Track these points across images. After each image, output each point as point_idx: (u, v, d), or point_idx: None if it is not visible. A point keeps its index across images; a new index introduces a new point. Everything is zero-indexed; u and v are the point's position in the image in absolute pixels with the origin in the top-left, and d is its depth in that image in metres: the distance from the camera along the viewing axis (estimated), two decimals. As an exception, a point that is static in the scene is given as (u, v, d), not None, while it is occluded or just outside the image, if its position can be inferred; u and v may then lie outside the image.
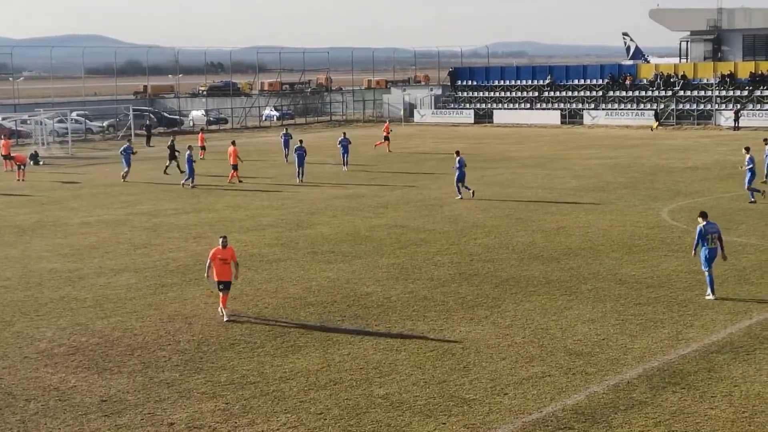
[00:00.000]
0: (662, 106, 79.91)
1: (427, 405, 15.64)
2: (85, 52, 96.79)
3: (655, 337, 19.06)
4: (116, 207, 38.90)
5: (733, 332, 19.30)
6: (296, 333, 19.89)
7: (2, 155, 55.01)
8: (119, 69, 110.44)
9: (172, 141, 53.15)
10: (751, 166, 36.44)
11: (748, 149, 37.32)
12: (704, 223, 21.76)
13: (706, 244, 21.75)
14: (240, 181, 45.59)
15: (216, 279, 21.17)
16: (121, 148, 48.86)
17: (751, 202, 35.69)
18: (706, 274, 21.96)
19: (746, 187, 36.37)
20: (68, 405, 16.02)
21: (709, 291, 21.93)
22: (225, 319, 20.88)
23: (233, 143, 47.86)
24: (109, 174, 52.00)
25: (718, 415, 14.92)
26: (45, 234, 32.71)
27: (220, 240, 21.38)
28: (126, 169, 47.81)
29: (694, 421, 14.69)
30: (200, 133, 60.00)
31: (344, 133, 51.34)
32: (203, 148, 59.07)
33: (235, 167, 46.10)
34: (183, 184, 44.56)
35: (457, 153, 39.64)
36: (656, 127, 75.27)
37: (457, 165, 38.60)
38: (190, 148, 45.65)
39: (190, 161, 44.52)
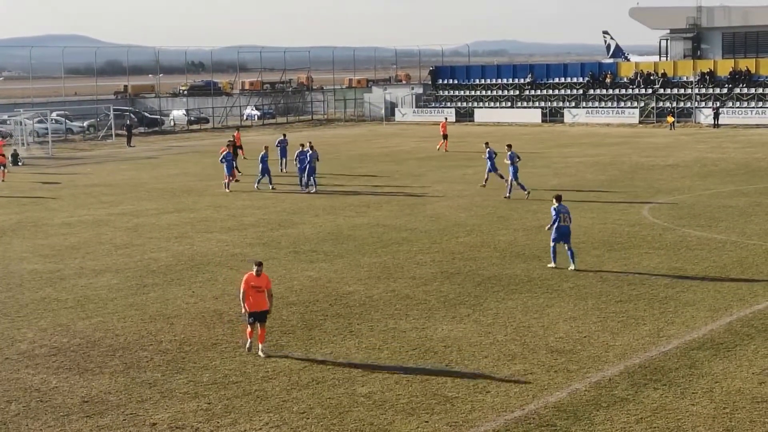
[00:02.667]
0: (643, 104, 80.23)
1: (409, 403, 15.66)
2: (64, 52, 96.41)
3: (637, 334, 19.14)
4: (97, 207, 38.75)
5: (714, 329, 19.40)
6: (278, 332, 19.87)
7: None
8: (99, 69, 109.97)
9: (232, 140, 50.26)
10: (510, 162, 37.80)
11: (510, 146, 38.70)
12: (557, 204, 25.34)
13: (560, 222, 25.16)
14: (237, 180, 44.93)
15: (248, 309, 18.44)
16: (221, 156, 44.02)
17: (527, 195, 37.44)
18: (552, 245, 25.47)
19: (516, 182, 37.76)
20: (50, 406, 15.95)
21: (552, 261, 25.43)
22: (247, 348, 18.65)
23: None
24: (90, 174, 51.81)
25: (699, 412, 15.00)
26: (25, 235, 32.56)
27: (255, 267, 18.51)
28: (228, 177, 43.25)
29: (676, 418, 14.76)
30: (237, 132, 57.62)
31: (309, 144, 43.04)
32: (241, 147, 54.59)
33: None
34: (257, 186, 42.71)
35: (311, 147, 41.81)
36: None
37: (308, 159, 41.37)
38: (266, 148, 43.25)
39: (265, 161, 42.54)
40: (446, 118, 68.86)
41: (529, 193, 37.64)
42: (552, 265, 25.35)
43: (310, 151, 41.62)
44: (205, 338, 19.62)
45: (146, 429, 14.92)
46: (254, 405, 15.79)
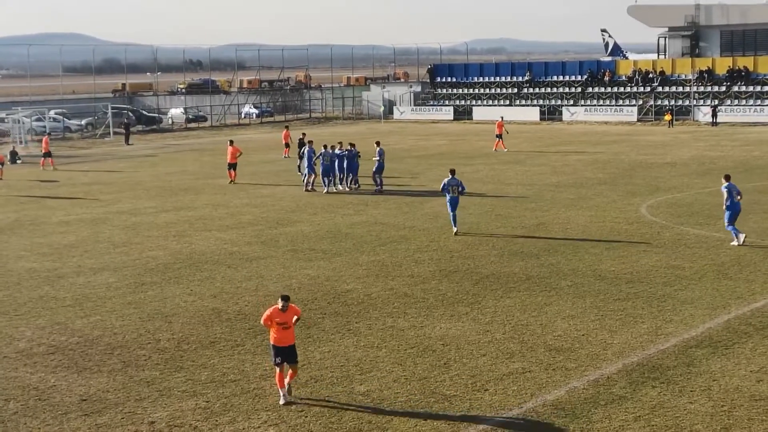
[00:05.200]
0: (640, 101, 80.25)
1: (407, 401, 15.66)
2: (62, 50, 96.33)
3: (635, 333, 19.15)
4: (95, 206, 38.73)
5: (712, 327, 19.41)
6: (277, 331, 19.83)
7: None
8: (97, 67, 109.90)
9: (303, 138, 48.54)
10: (379, 158, 40.87)
11: (378, 143, 42.40)
12: (449, 177, 29.91)
13: (449, 193, 29.70)
14: (232, 182, 44.71)
15: (273, 344, 16.12)
16: (302, 153, 42.80)
17: (376, 191, 40.39)
18: (450, 215, 30.01)
19: (376, 175, 40.81)
20: (48, 404, 15.95)
21: (454, 228, 29.96)
22: (281, 402, 15.80)
23: (231, 143, 46.30)
24: (88, 173, 51.77)
25: (697, 410, 15.01)
26: (23, 233, 32.54)
27: (280, 301, 16.10)
28: (312, 177, 41.51)
29: (674, 416, 14.77)
30: (285, 131, 55.84)
31: (310, 142, 42.81)
32: (287, 145, 55.08)
33: (232, 166, 45.00)
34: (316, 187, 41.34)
35: (309, 143, 42.36)
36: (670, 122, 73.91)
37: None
38: (324, 147, 41.28)
39: (314, 158, 41.11)
40: (502, 117, 62.56)
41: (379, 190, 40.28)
42: (455, 229, 29.89)
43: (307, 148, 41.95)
44: (203, 336, 19.62)
45: (144, 427, 14.92)
46: (252, 403, 15.79)
